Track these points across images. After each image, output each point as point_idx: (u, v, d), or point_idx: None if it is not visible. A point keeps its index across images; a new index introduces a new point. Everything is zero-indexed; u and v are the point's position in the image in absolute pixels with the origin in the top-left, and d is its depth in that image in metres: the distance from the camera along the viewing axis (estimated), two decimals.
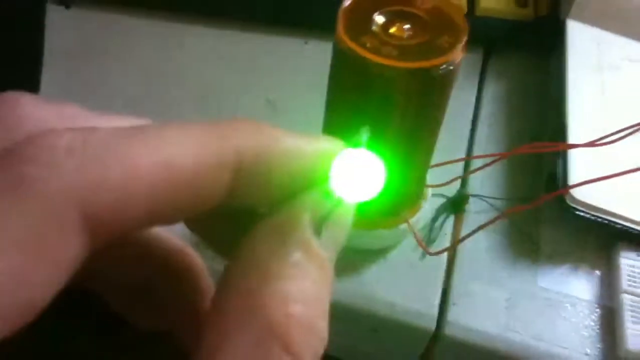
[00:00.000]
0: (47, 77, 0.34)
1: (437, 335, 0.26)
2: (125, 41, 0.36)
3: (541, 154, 0.30)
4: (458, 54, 0.19)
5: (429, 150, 0.23)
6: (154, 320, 0.15)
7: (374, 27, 0.20)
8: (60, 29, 0.36)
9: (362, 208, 0.19)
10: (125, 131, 0.11)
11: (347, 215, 0.13)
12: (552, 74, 0.32)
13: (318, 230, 0.12)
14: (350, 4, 0.20)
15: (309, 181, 0.12)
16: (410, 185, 0.24)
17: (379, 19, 0.20)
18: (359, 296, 0.26)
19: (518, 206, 0.29)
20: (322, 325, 0.12)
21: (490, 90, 0.35)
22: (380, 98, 0.20)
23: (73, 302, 0.13)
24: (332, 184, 0.12)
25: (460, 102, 0.34)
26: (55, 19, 0.36)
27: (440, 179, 0.29)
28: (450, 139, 0.32)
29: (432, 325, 0.26)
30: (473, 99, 0.34)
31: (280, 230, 0.12)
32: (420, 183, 0.25)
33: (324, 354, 0.12)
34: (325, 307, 0.12)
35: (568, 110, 0.30)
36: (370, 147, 0.13)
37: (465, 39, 0.20)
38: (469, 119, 0.33)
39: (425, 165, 0.24)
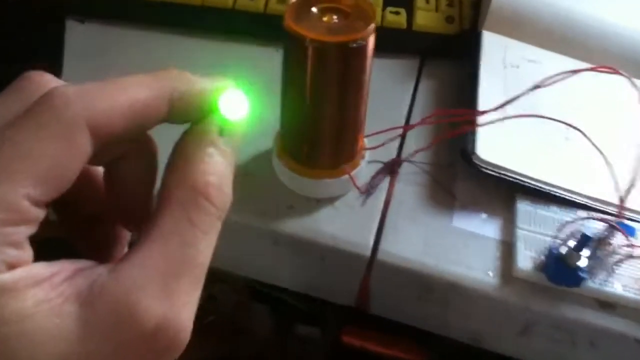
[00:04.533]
0: (66, 76, 0.41)
1: (371, 261, 0.33)
2: (125, 49, 0.44)
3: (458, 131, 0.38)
4: (369, 33, 0.27)
5: (357, 111, 0.31)
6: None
7: (311, 16, 0.28)
8: (76, 39, 0.44)
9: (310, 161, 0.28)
10: (107, 83, 0.18)
11: (240, 127, 0.20)
12: (470, 72, 0.41)
13: (222, 134, 0.20)
14: (295, 1, 0.28)
15: (214, 102, 0.20)
16: (346, 140, 0.32)
17: (315, 10, 0.28)
18: (310, 231, 0.33)
19: (443, 172, 0.37)
20: (228, 189, 0.19)
21: (424, 87, 0.43)
22: (314, 65, 0.28)
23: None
24: (220, 109, 0.20)
25: (400, 95, 0.42)
26: (72, 31, 0.44)
27: (381, 150, 0.36)
28: (391, 121, 0.40)
29: (368, 253, 0.33)
30: (410, 94, 0.42)
31: (199, 135, 0.19)
32: (355, 140, 0.33)
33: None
34: (230, 179, 0.19)
35: (478, 93, 0.38)
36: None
37: (373, 24, 0.28)
38: (407, 107, 0.41)
39: (356, 124, 0.32)
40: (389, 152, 0.37)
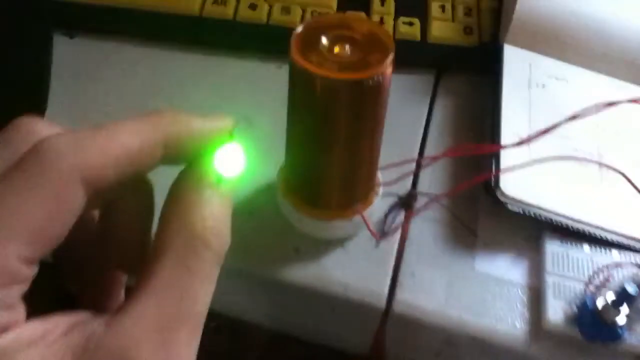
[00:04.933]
0: (54, 97, 0.38)
1: (387, 312, 0.30)
2: (120, 66, 0.41)
3: (482, 157, 0.35)
4: (386, 68, 0.24)
5: (372, 151, 0.28)
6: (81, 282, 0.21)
7: (320, 48, 0.25)
8: (65, 56, 0.41)
9: (319, 202, 0.25)
10: (99, 131, 0.17)
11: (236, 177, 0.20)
12: (490, 91, 0.37)
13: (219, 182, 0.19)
14: (302, 30, 0.25)
15: (211, 144, 0.19)
16: (359, 180, 0.29)
17: (325, 40, 0.25)
18: (318, 279, 0.30)
19: (465, 206, 0.33)
20: (227, 232, 0.19)
21: (441, 105, 0.40)
22: (324, 105, 0.25)
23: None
24: (215, 164, 0.19)
25: (414, 115, 0.39)
26: (61, 47, 0.41)
27: (396, 182, 0.33)
28: (405, 146, 0.37)
29: (382, 304, 0.30)
30: (425, 113, 0.39)
31: (196, 177, 0.19)
32: (369, 179, 0.30)
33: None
34: (228, 222, 0.19)
35: (501, 120, 0.34)
36: (243, 134, 0.20)
37: (392, 56, 0.25)
38: (422, 130, 0.38)
39: (370, 163, 0.29)
40: (404, 183, 0.34)
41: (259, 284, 0.31)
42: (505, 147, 0.32)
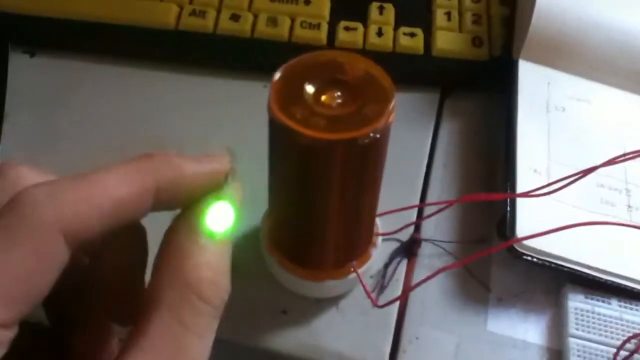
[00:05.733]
0: (10, 126, 0.34)
1: None
2: (87, 89, 0.36)
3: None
4: (385, 122, 0.20)
5: (369, 206, 0.24)
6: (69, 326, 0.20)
7: (305, 97, 0.21)
8: (24, 77, 0.36)
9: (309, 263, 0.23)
10: (82, 181, 0.16)
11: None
12: (503, 115, 0.33)
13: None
14: (281, 77, 0.21)
15: (206, 187, 0.18)
16: (353, 238, 0.25)
17: (310, 88, 0.21)
18: (309, 348, 0.26)
19: (475, 254, 0.29)
20: (225, 281, 0.17)
21: (447, 130, 0.35)
22: (310, 166, 0.21)
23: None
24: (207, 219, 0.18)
25: (416, 142, 0.34)
26: (20, 67, 0.36)
27: (394, 223, 0.29)
28: (406, 182, 0.32)
29: None
30: (429, 139, 0.35)
31: (191, 223, 0.17)
32: (365, 235, 0.26)
33: None
34: (226, 270, 0.17)
35: (517, 155, 0.30)
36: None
37: (392, 104, 0.20)
38: (425, 159, 0.34)
39: (367, 219, 0.25)
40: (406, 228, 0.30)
41: (239, 352, 0.27)
42: (520, 195, 0.28)
